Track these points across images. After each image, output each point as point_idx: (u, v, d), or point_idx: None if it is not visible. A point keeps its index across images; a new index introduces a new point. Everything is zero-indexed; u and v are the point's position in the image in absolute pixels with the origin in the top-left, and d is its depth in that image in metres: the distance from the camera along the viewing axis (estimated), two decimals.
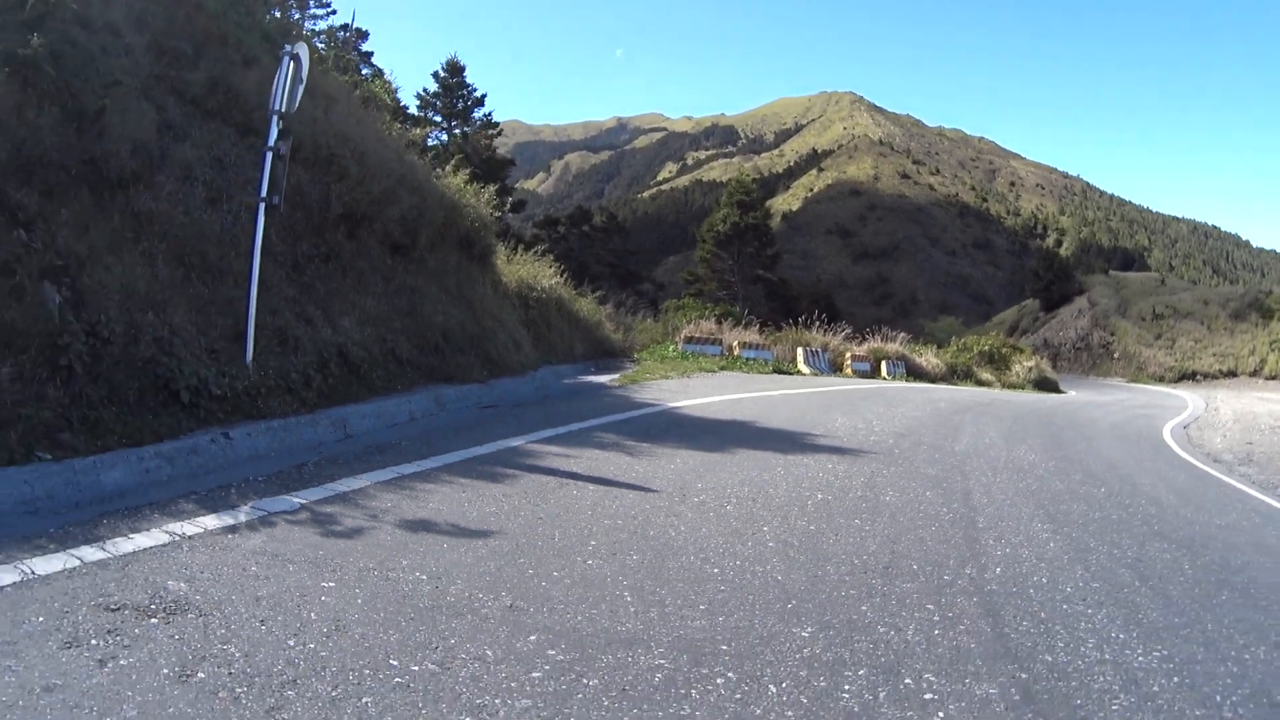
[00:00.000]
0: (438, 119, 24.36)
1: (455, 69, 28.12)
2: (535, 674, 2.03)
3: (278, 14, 8.70)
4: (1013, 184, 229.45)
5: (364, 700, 1.82)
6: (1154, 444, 10.09)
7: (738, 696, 2.01)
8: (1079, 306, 69.17)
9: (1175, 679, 2.39)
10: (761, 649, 2.31)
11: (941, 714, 2.03)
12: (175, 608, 2.22)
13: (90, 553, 2.60)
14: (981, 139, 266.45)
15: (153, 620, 2.13)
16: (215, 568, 2.57)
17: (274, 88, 5.22)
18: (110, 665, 1.88)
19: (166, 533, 2.87)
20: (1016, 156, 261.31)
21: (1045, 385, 34.26)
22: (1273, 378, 54.24)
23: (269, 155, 5.06)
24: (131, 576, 2.42)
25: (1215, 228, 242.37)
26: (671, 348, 15.67)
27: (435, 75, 27.90)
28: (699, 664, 2.17)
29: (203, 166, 6.08)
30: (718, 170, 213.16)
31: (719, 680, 2.09)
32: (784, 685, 2.10)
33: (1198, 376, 55.99)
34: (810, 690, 2.08)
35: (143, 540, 2.77)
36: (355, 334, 6.55)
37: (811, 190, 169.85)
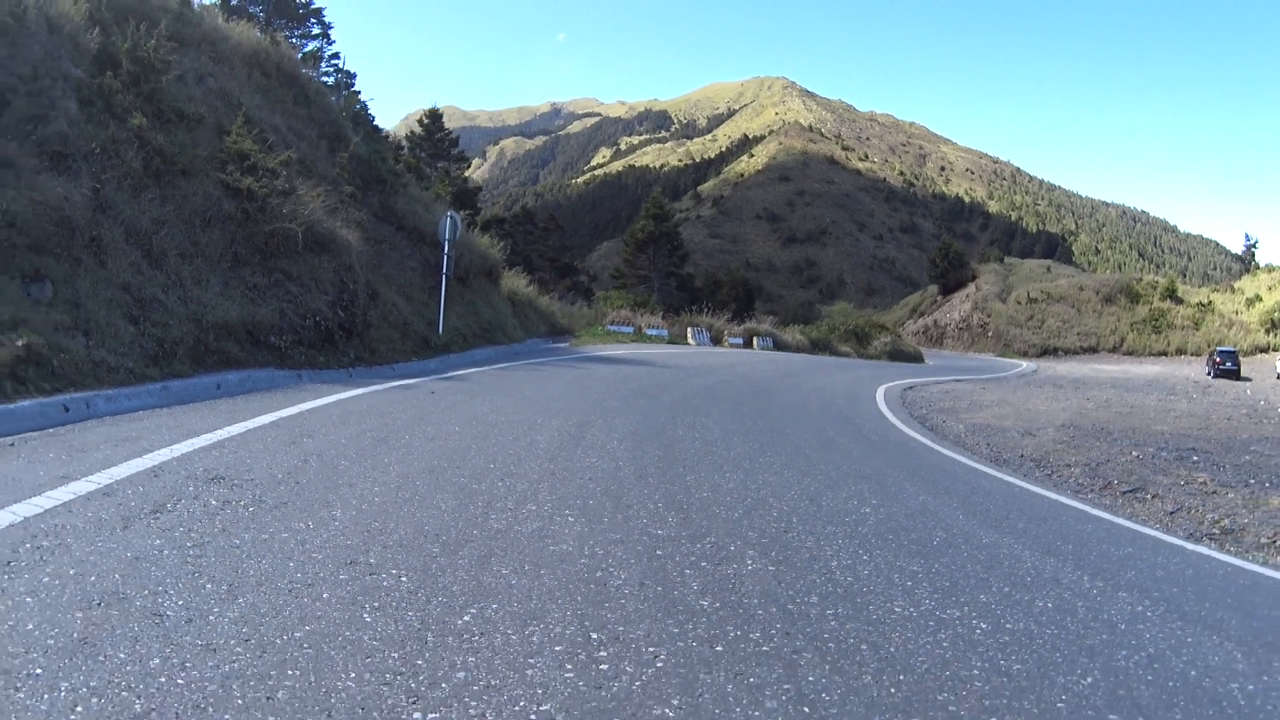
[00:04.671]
0: (424, 155, 33.65)
1: (435, 116, 37.81)
2: (566, 380, 11.75)
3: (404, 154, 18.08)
4: (943, 169, 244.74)
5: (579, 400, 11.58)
6: (867, 386, 20.31)
7: (611, 380, 11.79)
8: (967, 292, 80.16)
9: (761, 402, 12.31)
10: (617, 385, 12.07)
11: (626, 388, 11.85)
12: (515, 375, 11.86)
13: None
14: (913, 124, 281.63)
15: (528, 376, 11.77)
16: (518, 370, 12.20)
17: (443, 228, 14.75)
18: (537, 374, 11.51)
19: (485, 370, 12.48)
20: (948, 141, 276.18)
21: (901, 355, 44.17)
22: (1130, 353, 66.82)
23: (445, 257, 14.60)
24: (511, 369, 12.02)
25: (1144, 213, 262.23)
26: (600, 328, 25.43)
27: (420, 122, 37.45)
28: (626, 387, 11.93)
29: (386, 249, 15.53)
30: (650, 155, 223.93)
31: (632, 381, 11.85)
32: (619, 386, 11.89)
33: (1059, 352, 67.87)
34: (612, 384, 11.88)
35: (478, 369, 12.38)
36: (458, 323, 16.07)
37: (743, 176, 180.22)
